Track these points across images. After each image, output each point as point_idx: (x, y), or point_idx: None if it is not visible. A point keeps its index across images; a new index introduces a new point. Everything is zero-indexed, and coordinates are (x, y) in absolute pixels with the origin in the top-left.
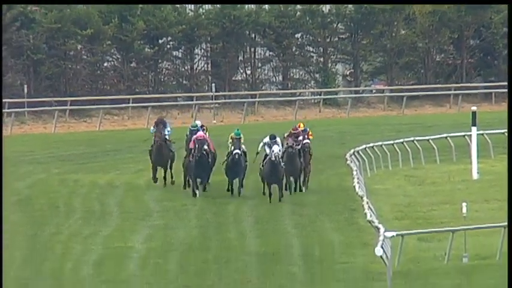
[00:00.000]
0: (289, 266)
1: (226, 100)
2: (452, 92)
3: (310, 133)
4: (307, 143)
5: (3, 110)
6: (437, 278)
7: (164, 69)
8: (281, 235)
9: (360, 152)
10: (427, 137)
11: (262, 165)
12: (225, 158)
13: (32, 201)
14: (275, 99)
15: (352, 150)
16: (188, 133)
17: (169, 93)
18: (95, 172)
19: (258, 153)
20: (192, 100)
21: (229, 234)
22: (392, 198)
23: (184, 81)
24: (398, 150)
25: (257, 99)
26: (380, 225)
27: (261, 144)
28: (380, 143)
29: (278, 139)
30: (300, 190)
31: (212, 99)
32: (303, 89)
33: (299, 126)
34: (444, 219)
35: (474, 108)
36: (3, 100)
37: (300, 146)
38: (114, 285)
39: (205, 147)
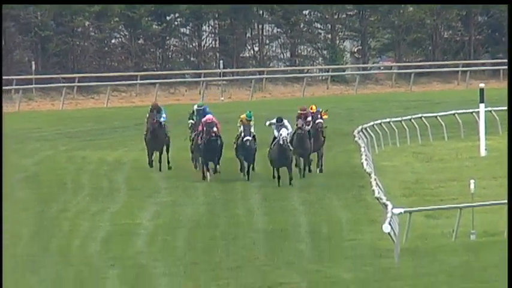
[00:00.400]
0: (296, 243)
1: (234, 77)
2: (460, 68)
3: (323, 113)
4: (320, 122)
5: (11, 87)
6: (445, 255)
7: (172, 46)
8: (289, 212)
9: (368, 128)
10: (435, 114)
11: (271, 148)
12: (234, 141)
13: (40, 178)
14: (283, 76)
15: (360, 127)
16: (193, 113)
17: (177, 70)
18: (103, 149)
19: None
20: (200, 77)
21: (237, 211)
22: (400, 175)
23: (192, 58)
24: (406, 127)
25: (265, 76)
26: (388, 202)
27: (268, 122)
28: (388, 120)
29: (285, 121)
30: (310, 171)
31: (220, 76)
32: (310, 66)
33: (311, 109)
34: (452, 196)
35: (482, 85)
36: (11, 77)
37: (310, 127)
38: (122, 262)
39: (215, 129)
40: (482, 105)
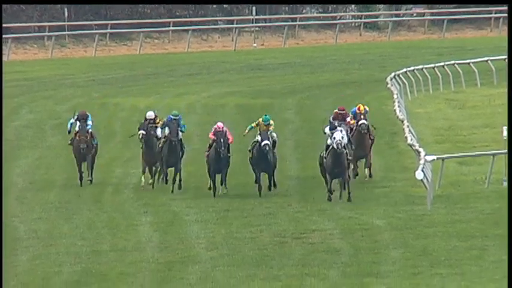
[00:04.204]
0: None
1: (267, 24)
2: (493, 15)
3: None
4: (364, 124)
5: (44, 34)
6: (477, 202)
7: None
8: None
9: (401, 75)
10: (467, 61)
11: (325, 157)
12: (249, 148)
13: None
14: (315, 22)
15: (392, 74)
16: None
17: (210, 17)
18: (135, 96)
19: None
20: (233, 24)
21: None
22: (432, 122)
23: (224, 5)
24: (439, 73)
25: (297, 23)
26: (420, 149)
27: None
28: (421, 67)
29: (339, 127)
30: (357, 175)
31: (252, 23)
32: (343, 13)
33: (359, 109)
34: (484, 143)
35: None
36: (44, 24)
37: (350, 130)
38: (154, 209)
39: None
40: None
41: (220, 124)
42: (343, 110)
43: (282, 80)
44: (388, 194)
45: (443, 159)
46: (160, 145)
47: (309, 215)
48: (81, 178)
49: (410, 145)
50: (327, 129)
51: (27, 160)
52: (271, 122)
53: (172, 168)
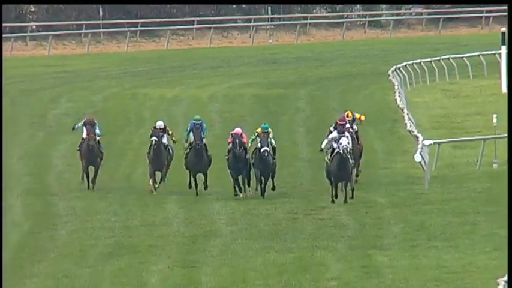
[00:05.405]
0: None
1: (281, 22)
2: (484, 14)
3: (360, 117)
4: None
5: (81, 31)
6: (470, 182)
7: None
8: None
9: (401, 68)
10: (461, 55)
11: (330, 160)
12: (251, 155)
13: (107, 112)
14: (324, 21)
15: (394, 67)
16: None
17: (230, 16)
18: (163, 87)
19: (321, 150)
20: (250, 22)
21: (284, 142)
22: (430, 110)
23: (243, 5)
24: (435, 67)
25: (308, 21)
26: (419, 134)
27: (325, 141)
28: (419, 61)
29: (346, 133)
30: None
31: (268, 21)
32: (349, 12)
33: (347, 116)
34: (476, 129)
35: (504, 29)
36: (81, 22)
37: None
38: (180, 189)
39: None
40: (503, 47)
41: (238, 130)
42: (343, 121)
43: (294, 72)
44: (389, 175)
45: (439, 143)
46: (186, 151)
47: (319, 193)
48: (87, 178)
49: (410, 131)
50: (324, 143)
51: (66, 145)
52: (270, 130)
53: (200, 174)
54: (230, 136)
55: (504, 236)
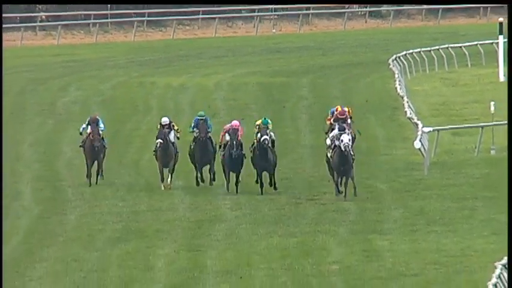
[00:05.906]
0: None
1: (284, 12)
2: (482, 5)
3: (349, 111)
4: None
5: (89, 21)
6: (468, 168)
7: None
8: None
9: (401, 57)
10: (459, 44)
11: (331, 156)
12: (251, 149)
13: (115, 100)
14: (327, 11)
15: (394, 56)
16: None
17: (234, 6)
18: (169, 75)
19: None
20: (254, 12)
21: (287, 129)
22: (429, 98)
23: None
24: (434, 56)
25: (311, 11)
26: (418, 122)
27: (329, 140)
28: (419, 50)
29: (347, 130)
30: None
31: (272, 12)
32: (351, 3)
33: (336, 110)
34: (475, 116)
35: (501, 19)
36: (90, 12)
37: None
38: (186, 175)
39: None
40: (501, 37)
41: (236, 122)
42: (343, 115)
43: (297, 61)
44: (389, 161)
45: (438, 130)
46: (192, 147)
47: (321, 179)
48: (89, 176)
49: (410, 118)
50: (328, 141)
51: (75, 132)
52: (269, 121)
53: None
54: (223, 130)
55: (501, 221)
